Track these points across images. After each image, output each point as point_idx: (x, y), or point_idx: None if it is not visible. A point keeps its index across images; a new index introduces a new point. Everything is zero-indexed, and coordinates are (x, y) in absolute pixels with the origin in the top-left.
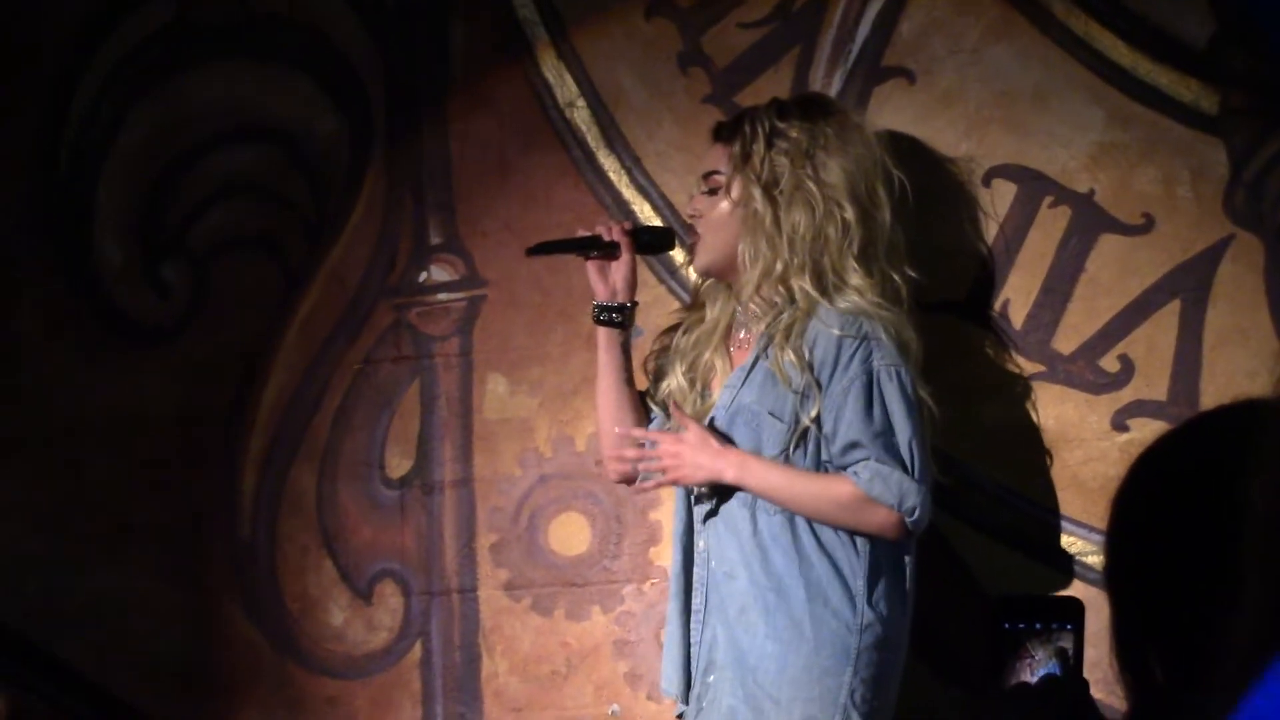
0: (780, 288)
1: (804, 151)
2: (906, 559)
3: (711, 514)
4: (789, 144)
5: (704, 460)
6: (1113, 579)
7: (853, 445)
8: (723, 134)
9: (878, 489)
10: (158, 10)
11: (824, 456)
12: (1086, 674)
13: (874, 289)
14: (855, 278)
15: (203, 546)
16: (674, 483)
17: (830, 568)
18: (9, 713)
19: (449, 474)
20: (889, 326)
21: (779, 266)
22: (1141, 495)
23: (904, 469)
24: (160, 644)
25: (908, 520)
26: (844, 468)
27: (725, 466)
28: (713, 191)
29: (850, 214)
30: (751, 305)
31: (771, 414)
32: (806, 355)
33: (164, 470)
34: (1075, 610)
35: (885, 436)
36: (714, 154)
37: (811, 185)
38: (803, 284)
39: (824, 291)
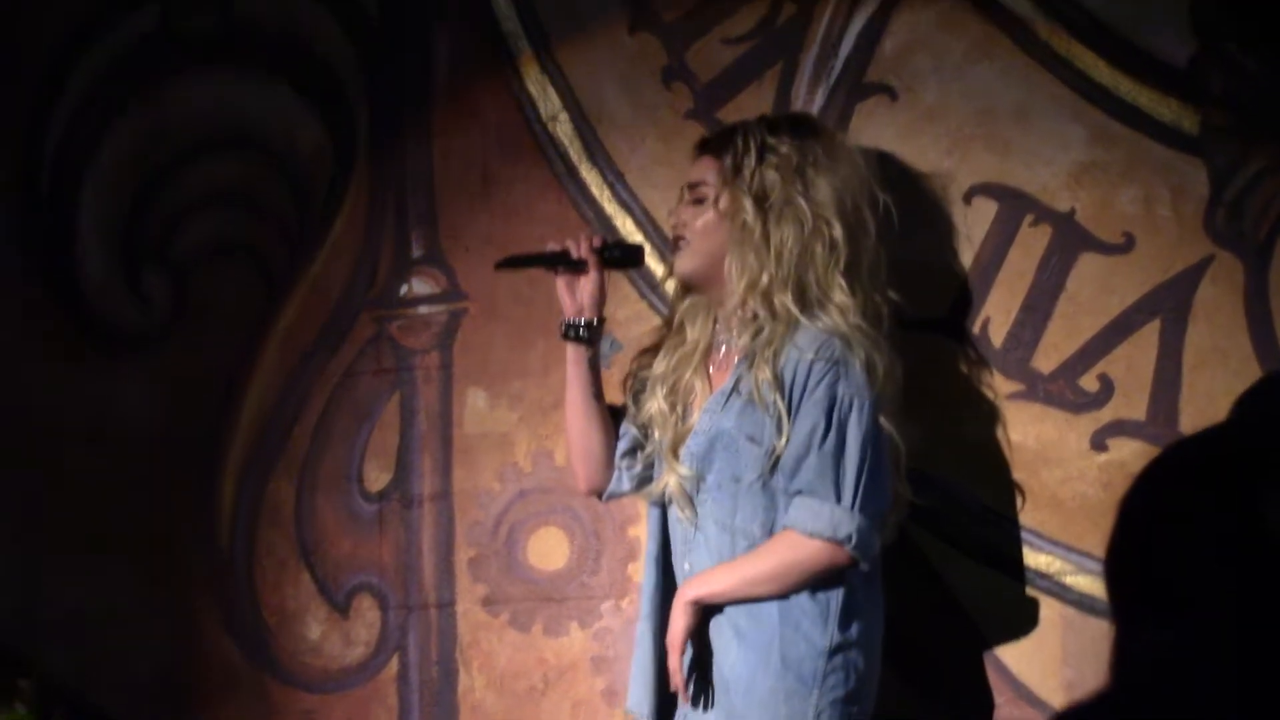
0: (763, 302)
1: (794, 168)
2: (876, 577)
3: (694, 535)
4: (780, 159)
5: (671, 629)
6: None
7: (803, 468)
8: (710, 147)
9: (809, 524)
10: (141, 20)
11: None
12: (1065, 694)
13: (856, 309)
14: (839, 295)
15: (181, 558)
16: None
17: (806, 591)
18: (34, 693)
19: (428, 487)
20: (861, 352)
21: (764, 280)
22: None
23: (836, 499)
24: (138, 655)
25: (847, 548)
26: (796, 491)
27: (679, 602)
28: (698, 202)
29: (838, 232)
30: (733, 319)
31: (750, 439)
32: (781, 378)
33: (143, 481)
34: None
35: (827, 465)
36: (700, 166)
37: (801, 201)
38: (785, 299)
39: (806, 308)
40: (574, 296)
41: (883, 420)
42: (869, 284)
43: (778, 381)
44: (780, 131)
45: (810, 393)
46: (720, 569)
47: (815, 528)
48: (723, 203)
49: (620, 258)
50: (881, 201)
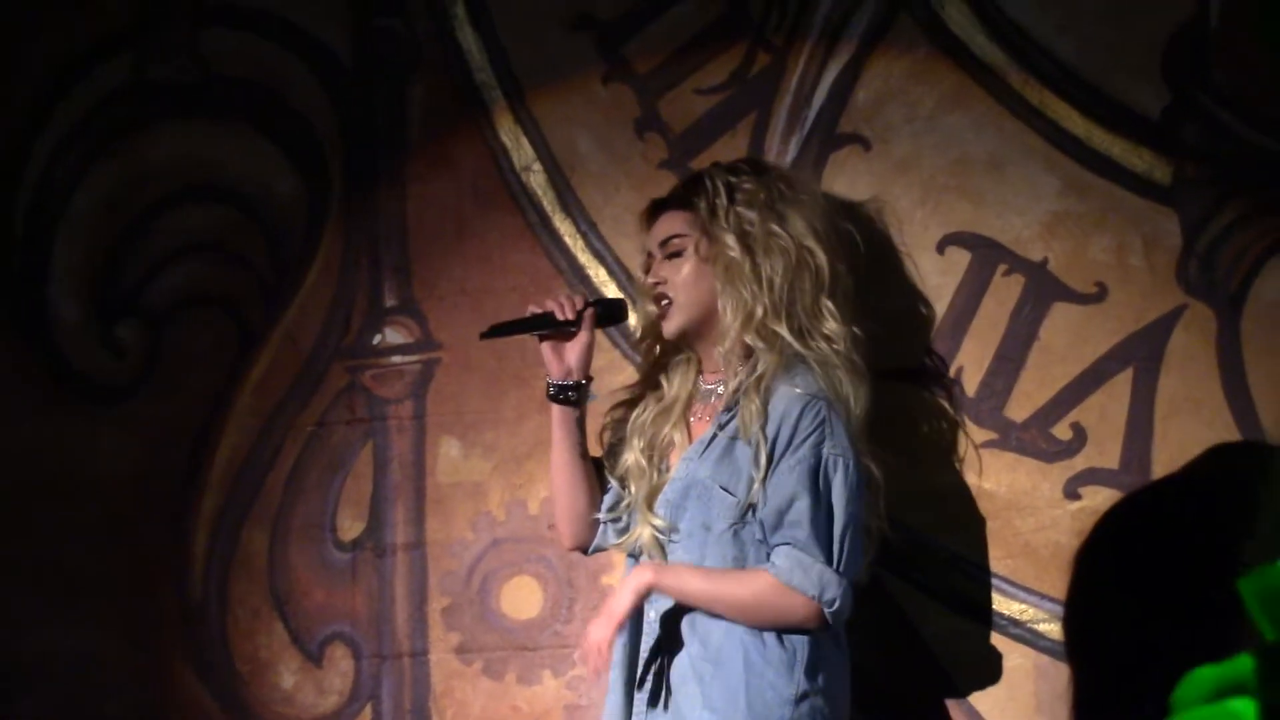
0: (759, 335)
1: (765, 203)
2: (841, 627)
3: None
4: (749, 195)
5: (618, 595)
6: (1073, 646)
7: (788, 523)
8: (673, 201)
9: (797, 578)
10: (115, 69)
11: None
12: None
13: (843, 336)
14: (829, 324)
15: (154, 607)
16: (612, 640)
17: (769, 639)
18: None
19: (401, 537)
20: (850, 392)
21: (759, 312)
22: (1100, 562)
23: (827, 560)
24: (110, 704)
25: (827, 611)
26: (774, 544)
27: (640, 574)
28: (674, 255)
29: (821, 258)
30: (730, 358)
31: (723, 488)
32: (770, 412)
33: (116, 530)
34: None
35: (818, 524)
36: (666, 222)
37: (781, 231)
38: (779, 328)
39: (799, 337)
40: (561, 358)
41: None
42: (847, 312)
43: (766, 417)
44: (740, 172)
45: (795, 449)
46: (693, 573)
47: (802, 584)
48: (703, 249)
49: (606, 314)
50: (844, 231)
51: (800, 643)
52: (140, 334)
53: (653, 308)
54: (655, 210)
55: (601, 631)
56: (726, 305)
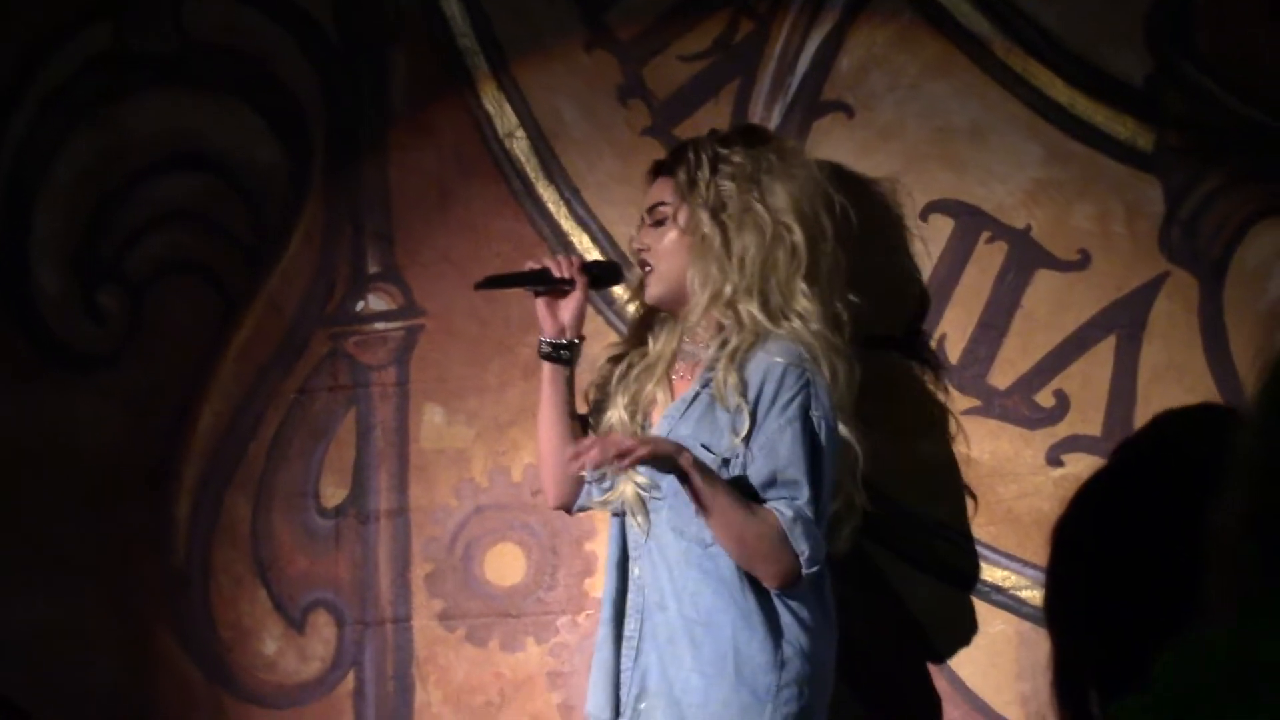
0: (728, 311)
1: (749, 176)
2: (828, 593)
3: (645, 541)
4: (734, 168)
5: (664, 443)
6: (1052, 611)
7: (785, 481)
8: (665, 167)
9: (798, 534)
10: (95, 38)
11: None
12: (1020, 708)
13: (818, 315)
14: (802, 302)
15: (136, 575)
16: (639, 459)
17: (758, 603)
18: None
19: (384, 504)
20: (826, 367)
21: (728, 290)
22: (1080, 527)
23: (818, 521)
24: (92, 673)
25: (804, 571)
26: (766, 501)
27: (679, 448)
28: (659, 223)
29: (799, 237)
30: (698, 330)
31: (705, 446)
32: (748, 381)
33: (98, 498)
34: None
35: (816, 486)
36: (657, 188)
37: (760, 208)
38: (750, 308)
39: (770, 316)
40: (555, 316)
41: (842, 427)
42: (829, 290)
43: (743, 385)
44: (732, 143)
45: (784, 408)
46: (723, 487)
47: (799, 544)
48: (682, 218)
49: (601, 275)
50: (839, 205)
51: (788, 609)
52: (121, 302)
53: (638, 270)
54: (654, 171)
55: (623, 444)
56: (695, 279)
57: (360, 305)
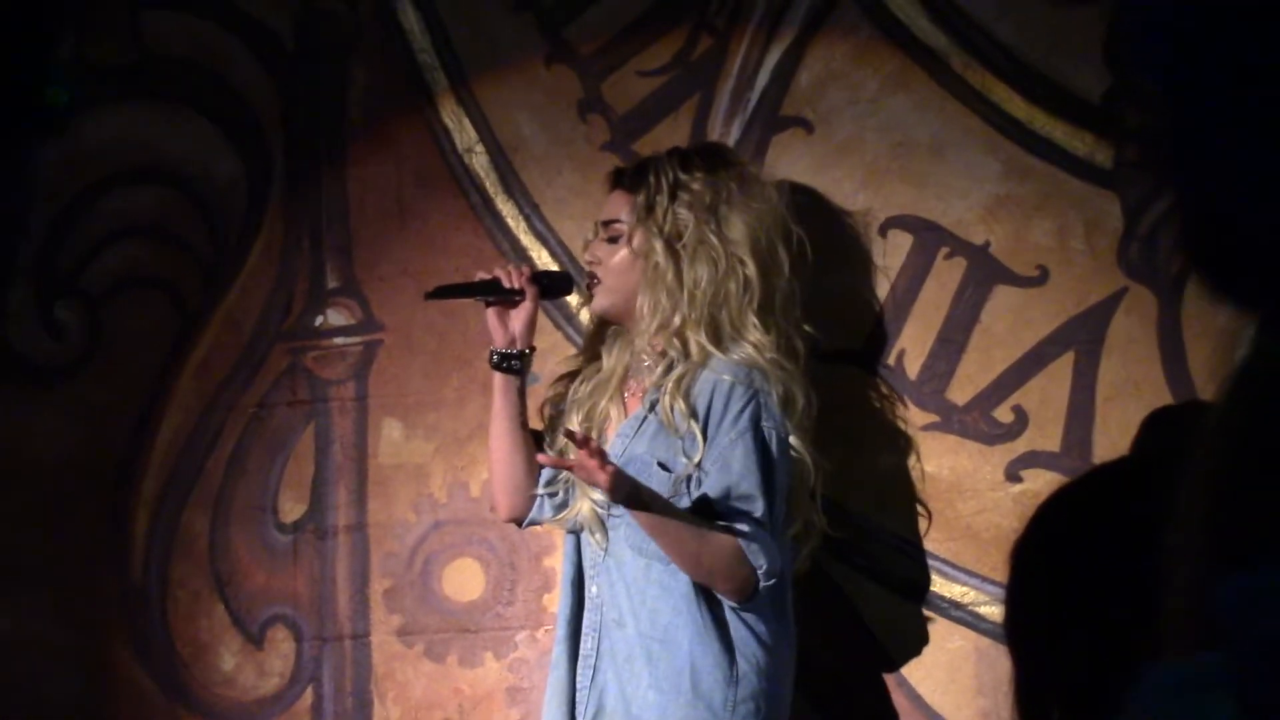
0: (675, 340)
1: (707, 205)
2: (788, 608)
3: (603, 559)
4: (692, 197)
5: (622, 483)
6: (1012, 630)
7: (740, 495)
8: (624, 181)
9: (755, 550)
10: (55, 51)
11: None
12: None
13: (770, 345)
14: (754, 334)
15: (93, 590)
16: (596, 483)
17: (714, 619)
18: None
19: (343, 519)
20: (778, 383)
21: (677, 320)
22: (1038, 547)
23: (774, 533)
24: (50, 687)
25: (762, 585)
26: (722, 516)
27: (624, 478)
28: (613, 239)
29: (751, 270)
30: (643, 355)
31: (660, 464)
32: (696, 404)
33: (56, 512)
34: None
35: (770, 500)
36: (614, 201)
37: (714, 240)
38: (699, 338)
39: (719, 345)
40: (505, 327)
41: (799, 446)
42: (783, 319)
43: (691, 409)
44: (693, 167)
45: (735, 421)
46: (673, 517)
47: (757, 560)
48: (636, 241)
49: (551, 286)
50: (795, 235)
51: (744, 624)
52: (80, 315)
53: (586, 281)
54: (612, 183)
55: (594, 462)
56: (645, 305)
57: (319, 320)
